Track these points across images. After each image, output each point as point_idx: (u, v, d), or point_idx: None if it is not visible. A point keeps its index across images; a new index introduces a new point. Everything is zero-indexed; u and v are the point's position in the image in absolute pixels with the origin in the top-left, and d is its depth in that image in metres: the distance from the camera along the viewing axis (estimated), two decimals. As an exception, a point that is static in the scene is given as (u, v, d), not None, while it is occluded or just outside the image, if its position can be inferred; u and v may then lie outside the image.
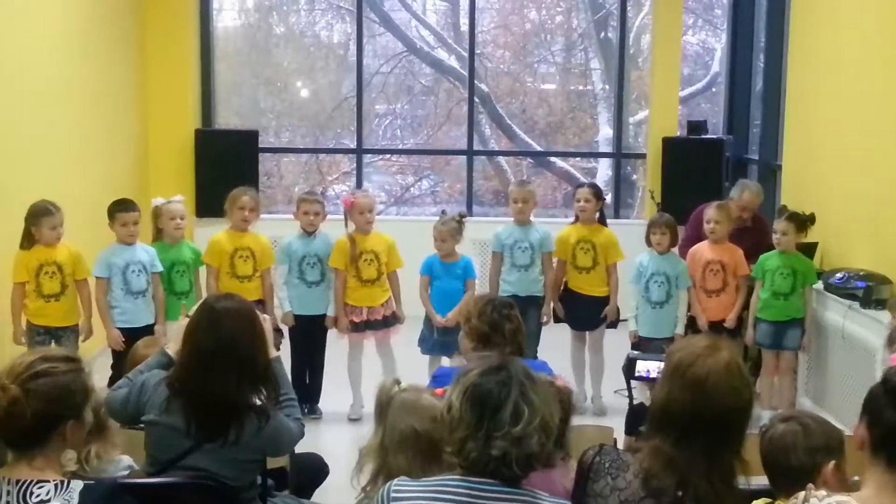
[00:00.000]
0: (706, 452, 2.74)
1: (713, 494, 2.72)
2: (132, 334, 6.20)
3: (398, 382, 3.32)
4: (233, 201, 6.91)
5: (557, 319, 7.37)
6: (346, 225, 7.02)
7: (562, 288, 7.35)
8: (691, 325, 6.98)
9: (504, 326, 4.23)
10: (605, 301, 7.26)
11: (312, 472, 4.67)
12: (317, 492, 4.80)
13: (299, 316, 6.97)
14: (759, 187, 7.72)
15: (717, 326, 6.84)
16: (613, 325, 7.33)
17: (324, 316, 7.00)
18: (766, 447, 3.08)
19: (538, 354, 6.86)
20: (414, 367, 6.52)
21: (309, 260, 6.98)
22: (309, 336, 7.04)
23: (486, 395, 2.59)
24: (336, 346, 7.19)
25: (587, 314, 7.29)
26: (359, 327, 7.00)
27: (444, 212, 7.30)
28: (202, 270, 6.98)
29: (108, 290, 6.42)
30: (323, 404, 7.10)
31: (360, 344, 7.08)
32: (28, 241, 6.21)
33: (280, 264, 7.04)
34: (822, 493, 2.51)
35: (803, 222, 6.85)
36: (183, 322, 3.84)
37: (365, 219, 6.96)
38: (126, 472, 3.70)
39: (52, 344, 6.17)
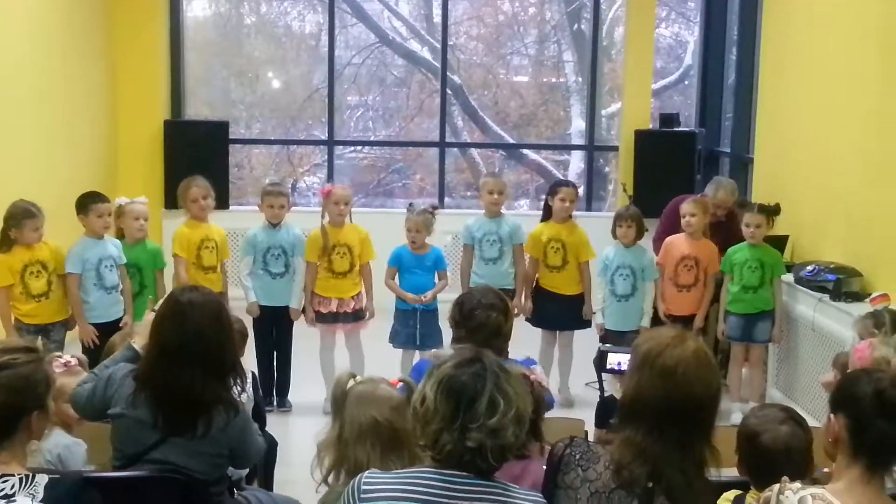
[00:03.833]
0: (678, 442, 2.74)
1: (685, 484, 2.72)
2: (104, 329, 6.21)
3: (353, 376, 3.30)
4: (183, 196, 6.90)
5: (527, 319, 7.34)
6: (323, 216, 7.00)
7: (533, 286, 7.33)
8: (658, 319, 6.98)
9: (472, 325, 4.12)
10: (576, 299, 7.23)
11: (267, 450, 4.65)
12: (285, 484, 4.79)
13: (263, 307, 6.95)
14: (734, 184, 7.73)
15: (685, 321, 6.77)
16: (588, 324, 7.31)
17: (287, 307, 6.97)
18: (770, 447, 3.08)
19: (509, 351, 6.86)
20: (383, 362, 6.50)
21: (273, 251, 6.95)
22: (274, 327, 7.01)
23: (462, 388, 2.58)
24: (305, 338, 7.15)
25: (559, 313, 7.26)
26: (327, 318, 6.96)
27: (411, 205, 7.27)
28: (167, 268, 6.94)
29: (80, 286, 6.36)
30: (292, 396, 7.06)
31: (331, 336, 7.04)
32: (6, 243, 6.10)
33: (245, 255, 7.01)
34: (797, 484, 2.52)
35: (774, 213, 6.87)
36: (149, 316, 3.81)
37: (338, 210, 6.93)
38: (64, 449, 3.71)
39: (40, 338, 6.09)
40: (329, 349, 7.03)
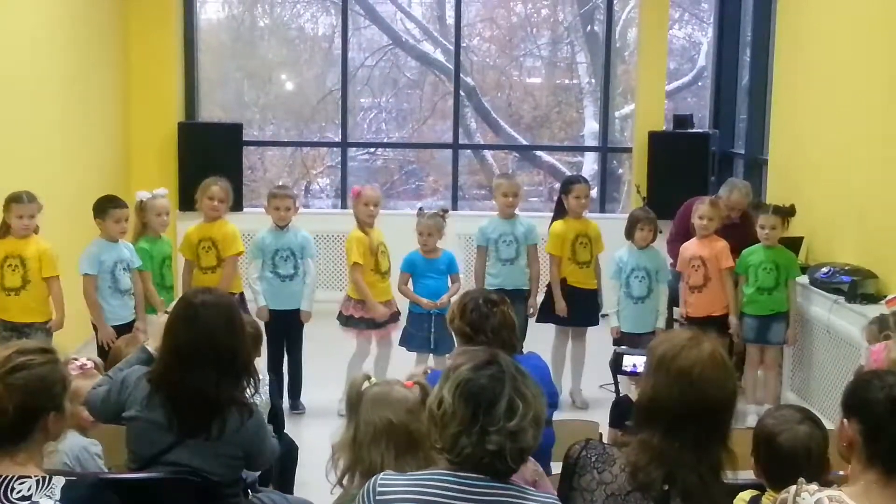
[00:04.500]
0: (694, 444, 2.73)
1: (701, 486, 2.72)
2: (120, 332, 6.21)
3: (368, 377, 3.30)
4: (203, 191, 6.93)
5: (542, 318, 7.34)
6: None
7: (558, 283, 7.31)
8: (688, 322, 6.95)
9: (486, 325, 4.09)
10: (592, 294, 7.23)
11: (285, 454, 4.66)
12: (299, 486, 4.80)
13: (273, 310, 6.93)
14: (748, 186, 7.70)
15: (701, 323, 6.69)
16: (596, 320, 7.31)
17: (297, 310, 6.95)
18: (788, 447, 3.08)
19: (524, 349, 6.84)
20: (399, 365, 6.53)
21: (282, 253, 6.93)
22: (284, 330, 6.99)
23: (481, 391, 2.56)
24: (316, 340, 7.15)
25: (581, 308, 7.26)
26: (372, 325, 6.93)
27: (421, 209, 7.25)
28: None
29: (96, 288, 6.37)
30: (305, 399, 7.06)
31: (368, 344, 7.01)
32: (4, 230, 6.13)
33: (254, 259, 7.01)
34: (814, 486, 2.52)
35: (789, 215, 6.86)
36: (163, 318, 3.82)
37: (368, 211, 6.92)
38: (82, 451, 3.72)
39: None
40: (363, 357, 6.98)
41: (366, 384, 3.26)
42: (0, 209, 6.18)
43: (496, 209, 7.39)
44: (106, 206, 6.39)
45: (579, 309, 7.26)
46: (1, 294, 6.14)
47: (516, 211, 7.31)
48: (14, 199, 6.07)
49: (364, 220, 6.95)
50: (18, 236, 6.12)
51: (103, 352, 6.17)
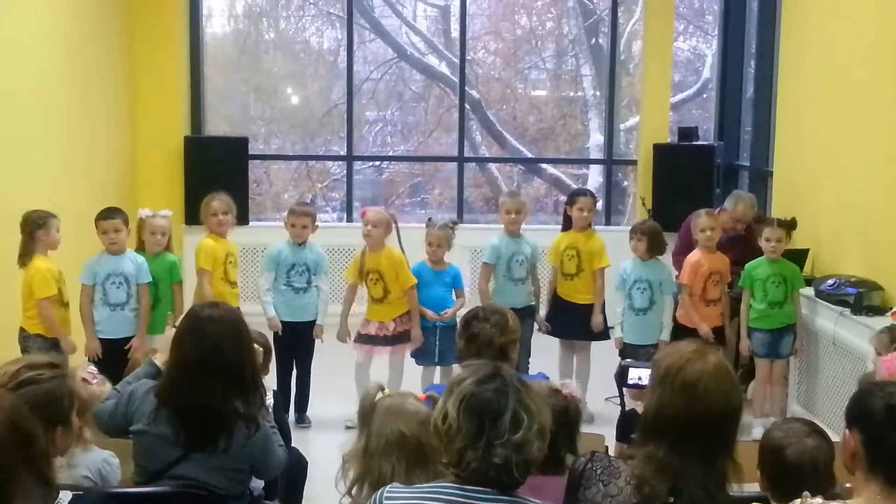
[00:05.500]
0: (700, 457, 2.74)
1: (707, 499, 2.72)
2: (108, 346, 6.29)
3: (382, 388, 3.30)
4: (205, 209, 6.95)
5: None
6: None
7: (551, 295, 7.33)
8: (683, 333, 6.91)
9: (477, 340, 4.09)
10: (591, 309, 7.21)
11: (294, 468, 4.66)
12: (305, 500, 4.79)
13: (285, 322, 6.94)
14: (753, 198, 7.71)
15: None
16: (605, 336, 7.25)
17: (309, 323, 6.97)
18: (795, 460, 3.08)
19: (530, 365, 6.85)
20: (413, 377, 6.53)
21: (298, 268, 6.95)
22: (295, 343, 6.98)
23: (485, 404, 2.57)
24: (323, 354, 7.15)
25: (574, 322, 7.23)
26: (364, 339, 6.94)
27: (430, 219, 7.25)
28: (189, 281, 6.95)
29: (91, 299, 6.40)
30: (312, 412, 7.05)
31: (368, 358, 6.97)
32: (28, 253, 6.07)
33: (267, 271, 7.00)
34: (818, 499, 2.52)
35: (792, 227, 6.85)
36: (170, 332, 3.84)
37: (366, 231, 6.90)
38: (103, 464, 3.71)
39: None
40: (364, 370, 6.94)
41: (379, 395, 3.26)
42: (26, 229, 6.11)
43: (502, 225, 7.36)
44: (95, 219, 6.43)
45: (565, 321, 7.23)
46: (61, 309, 6.19)
47: (522, 229, 7.29)
48: (50, 216, 6.11)
49: (368, 242, 6.94)
50: (49, 251, 6.17)
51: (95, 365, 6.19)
